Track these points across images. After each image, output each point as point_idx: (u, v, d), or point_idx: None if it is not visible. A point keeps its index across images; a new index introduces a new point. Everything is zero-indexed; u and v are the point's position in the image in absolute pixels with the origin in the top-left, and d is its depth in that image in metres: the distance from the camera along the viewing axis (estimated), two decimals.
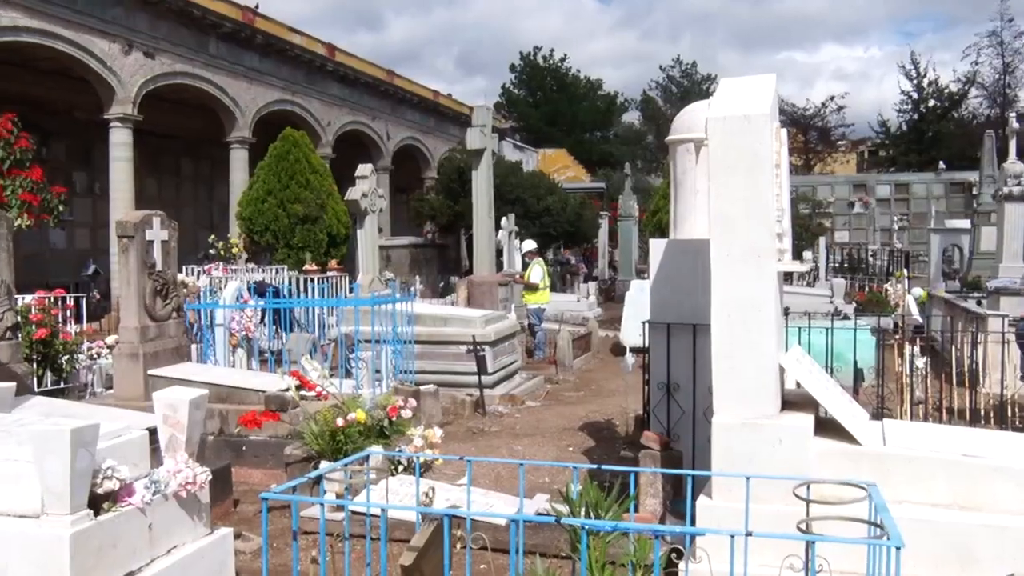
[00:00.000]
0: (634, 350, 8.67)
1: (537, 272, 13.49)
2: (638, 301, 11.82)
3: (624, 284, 21.26)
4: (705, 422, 4.55)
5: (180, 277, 10.31)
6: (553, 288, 19.14)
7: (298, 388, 6.19)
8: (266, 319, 9.26)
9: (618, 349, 13.29)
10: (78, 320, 9.68)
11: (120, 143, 16.92)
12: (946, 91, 44.23)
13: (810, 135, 48.55)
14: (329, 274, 14.18)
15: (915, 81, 44.66)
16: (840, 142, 49.42)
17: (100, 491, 3.16)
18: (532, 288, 13.29)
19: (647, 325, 5.35)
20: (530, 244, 14.35)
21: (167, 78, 18.10)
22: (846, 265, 28.08)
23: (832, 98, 49.12)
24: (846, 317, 9.82)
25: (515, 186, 22.47)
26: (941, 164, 37.35)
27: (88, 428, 3.02)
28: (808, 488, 2.81)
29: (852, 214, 37.04)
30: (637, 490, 4.28)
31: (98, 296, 16.83)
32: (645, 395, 5.73)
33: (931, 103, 44.54)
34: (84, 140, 19.75)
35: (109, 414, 4.95)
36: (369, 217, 11.40)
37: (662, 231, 19.22)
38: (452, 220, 23.17)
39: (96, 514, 3.16)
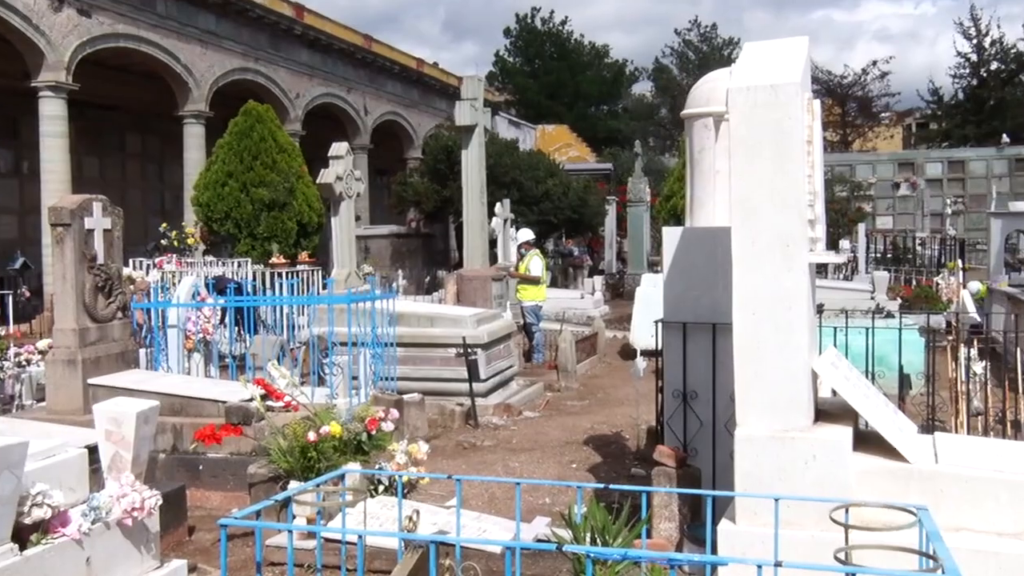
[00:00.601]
0: (646, 353, 8.76)
1: (537, 264, 13.50)
2: (650, 298, 11.84)
3: (634, 278, 21.28)
4: (727, 435, 4.56)
5: (126, 271, 10.33)
6: (554, 283, 19.18)
7: (264, 398, 6.17)
8: (227, 319, 9.25)
9: (628, 352, 13.34)
10: (3, 321, 9.65)
11: (52, 116, 16.69)
12: (1012, 52, 43.51)
13: (848, 106, 48.28)
14: (299, 268, 14.21)
15: (975, 41, 44.07)
16: (883, 114, 49.01)
17: (27, 521, 3.09)
18: (532, 282, 13.28)
19: (660, 325, 5.38)
20: (527, 233, 14.36)
21: (107, 40, 17.87)
22: (889, 256, 28.08)
23: (875, 63, 48.15)
24: (890, 315, 9.80)
25: (510, 167, 22.48)
26: (1004, 137, 36.97)
27: (13, 447, 2.95)
28: (847, 512, 2.79)
29: (897, 197, 36.94)
30: (650, 513, 4.28)
31: (27, 293, 16.75)
32: (658, 404, 5.74)
33: (993, 66, 43.90)
34: (8, 111, 19.35)
35: (40, 430, 4.94)
36: (345, 203, 11.40)
37: (677, 218, 19.24)
38: (439, 206, 23.18)
39: (22, 548, 3.08)
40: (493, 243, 16.18)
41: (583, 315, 17.11)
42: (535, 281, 13.35)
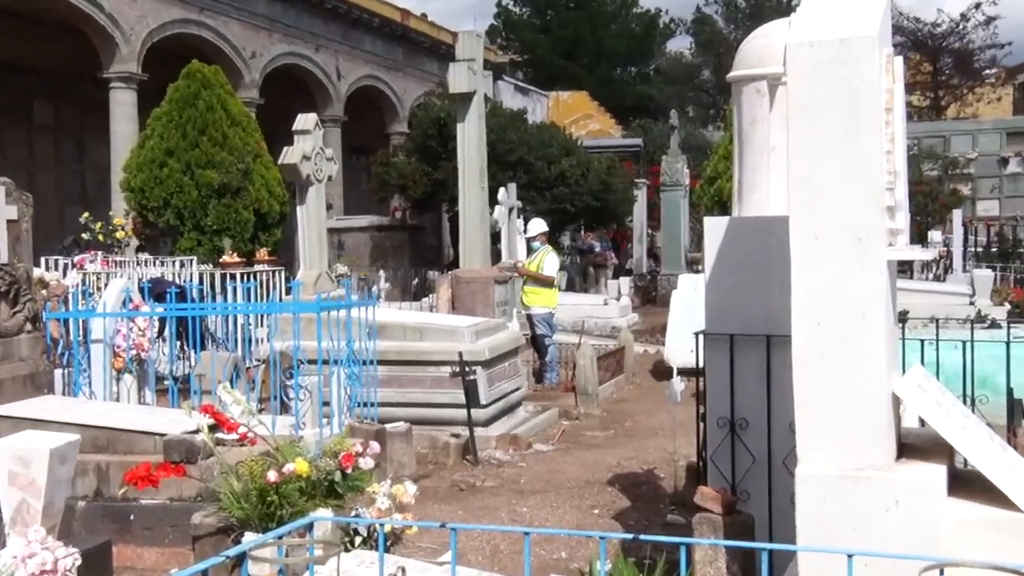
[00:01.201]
0: (684, 372, 8.76)
1: (552, 261, 13.52)
2: (689, 304, 11.87)
3: (669, 280, 21.32)
4: (786, 474, 4.56)
5: (37, 273, 10.29)
6: (570, 286, 19.15)
7: (213, 429, 6.16)
8: (167, 332, 9.24)
9: (662, 371, 13.35)
10: None
11: None
12: None
13: (942, 63, 47.21)
14: (257, 269, 14.22)
15: None
16: (988, 71, 47.63)
17: None
18: (544, 284, 13.28)
19: (702, 337, 5.44)
20: (538, 225, 14.31)
21: None
22: (994, 250, 27.79)
23: (977, 6, 45.87)
24: (995, 325, 9.67)
25: (517, 144, 22.54)
26: None
27: None
28: (941, 573, 2.76)
29: (1004, 176, 36.38)
30: (691, 570, 4.25)
31: None
32: (700, 436, 5.76)
33: None
34: None
35: None
36: (313, 188, 11.44)
37: (723, 205, 19.24)
38: (430, 193, 23.24)
39: None
40: (496, 238, 16.23)
41: (606, 325, 17.21)
42: (548, 283, 13.36)
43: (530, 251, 14.58)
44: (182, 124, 16.20)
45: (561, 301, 14.74)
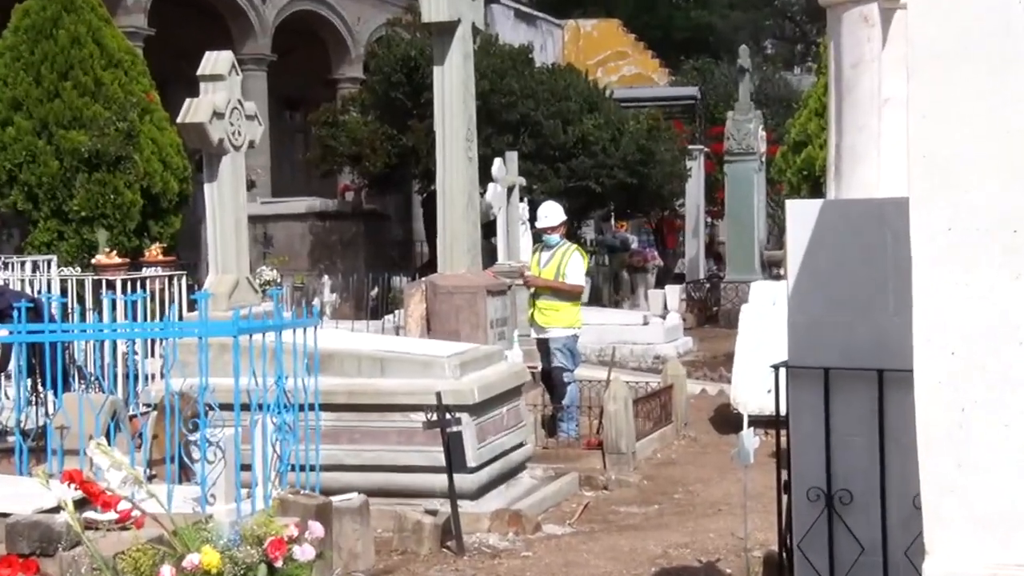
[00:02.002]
0: (759, 422, 8.75)
1: (578, 265, 13.51)
2: (766, 323, 11.83)
3: (737, 290, 21.34)
4: (911, 570, 4.56)
5: None
6: (594, 298, 19.11)
7: (81, 505, 6.08)
8: (12, 365, 9.19)
9: (728, 420, 13.33)
10: None
11: None
12: None
13: None
14: (147, 274, 14.17)
15: None
16: None
17: None
18: (568, 296, 13.28)
19: (784, 372, 5.42)
20: (554, 212, 14.06)
21: None
22: None
23: None
24: None
25: (520, 96, 22.55)
26: None
27: None
28: None
29: None
30: None
31: None
32: (783, 514, 5.72)
33: None
34: None
35: None
36: (228, 159, 11.32)
37: (815, 182, 19.25)
38: (395, 165, 23.25)
39: None
40: (490, 229, 16.14)
41: (647, 354, 17.32)
42: (574, 295, 13.37)
43: (538, 248, 14.53)
44: (34, 64, 16.16)
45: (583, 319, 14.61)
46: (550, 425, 12.77)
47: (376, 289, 20.95)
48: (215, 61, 11.50)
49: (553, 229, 13.97)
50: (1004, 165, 3.51)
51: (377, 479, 8.96)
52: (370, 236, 24.27)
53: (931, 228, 3.56)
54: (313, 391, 8.36)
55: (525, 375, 10.88)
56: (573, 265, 13.41)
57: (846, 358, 5.19)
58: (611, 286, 25.03)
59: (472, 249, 13.01)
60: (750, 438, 8.05)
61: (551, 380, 13.07)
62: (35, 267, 14.75)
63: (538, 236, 15.10)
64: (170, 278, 14.13)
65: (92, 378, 10.88)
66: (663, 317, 19.68)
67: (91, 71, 16.17)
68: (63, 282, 13.93)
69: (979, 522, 3.55)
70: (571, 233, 16.73)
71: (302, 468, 8.15)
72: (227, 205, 11.43)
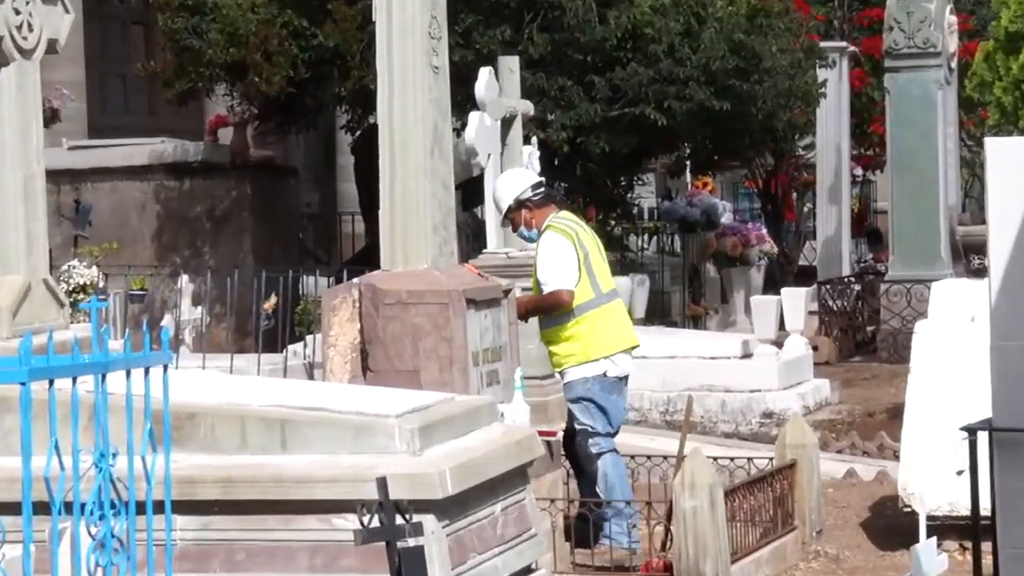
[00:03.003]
0: (948, 528, 8.81)
1: (548, 253, 10.36)
2: (957, 353, 10.02)
3: (909, 295, 17.69)
4: None
5: None
6: (653, 309, 16.73)
7: None
8: None
9: (892, 525, 11.05)
10: None
11: None
12: None
13: None
14: None
15: None
16: None
17: None
18: (562, 312, 10.25)
19: (985, 438, 5.71)
20: (505, 188, 10.90)
21: None
22: None
23: None
24: None
25: None
26: None
27: None
28: None
29: None
30: None
31: None
32: None
33: None
34: None
35: None
36: (11, 71, 9.28)
37: None
38: (305, 80, 18.50)
39: None
40: (473, 190, 13.58)
41: (750, 407, 14.40)
42: (556, 307, 10.39)
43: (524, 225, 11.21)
44: None
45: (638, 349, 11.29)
46: (581, 530, 9.92)
47: (273, 298, 17.04)
48: None
49: (512, 217, 10.75)
50: None
51: None
52: (263, 206, 19.71)
53: None
54: (163, 478, 6.41)
55: (535, 447, 8.19)
56: (541, 257, 10.32)
57: None
58: (686, 290, 20.83)
59: (441, 227, 10.07)
60: (932, 556, 7.25)
61: (578, 454, 10.26)
62: None
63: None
64: None
65: None
66: (778, 344, 15.92)
67: None
68: None
69: None
70: (607, 199, 13.39)
71: None
72: (7, 152, 9.13)
